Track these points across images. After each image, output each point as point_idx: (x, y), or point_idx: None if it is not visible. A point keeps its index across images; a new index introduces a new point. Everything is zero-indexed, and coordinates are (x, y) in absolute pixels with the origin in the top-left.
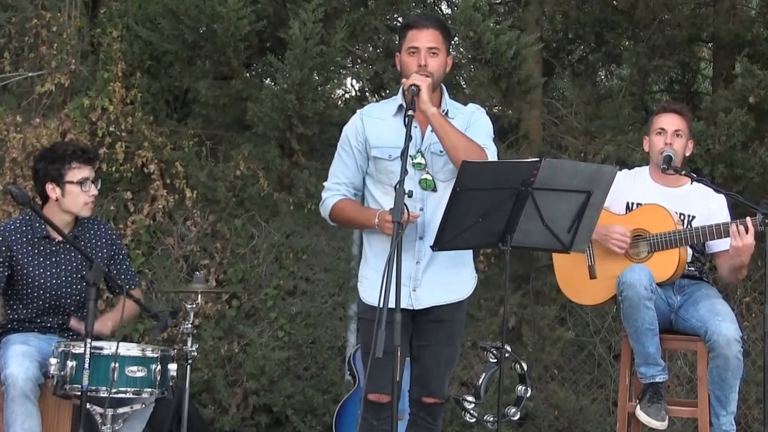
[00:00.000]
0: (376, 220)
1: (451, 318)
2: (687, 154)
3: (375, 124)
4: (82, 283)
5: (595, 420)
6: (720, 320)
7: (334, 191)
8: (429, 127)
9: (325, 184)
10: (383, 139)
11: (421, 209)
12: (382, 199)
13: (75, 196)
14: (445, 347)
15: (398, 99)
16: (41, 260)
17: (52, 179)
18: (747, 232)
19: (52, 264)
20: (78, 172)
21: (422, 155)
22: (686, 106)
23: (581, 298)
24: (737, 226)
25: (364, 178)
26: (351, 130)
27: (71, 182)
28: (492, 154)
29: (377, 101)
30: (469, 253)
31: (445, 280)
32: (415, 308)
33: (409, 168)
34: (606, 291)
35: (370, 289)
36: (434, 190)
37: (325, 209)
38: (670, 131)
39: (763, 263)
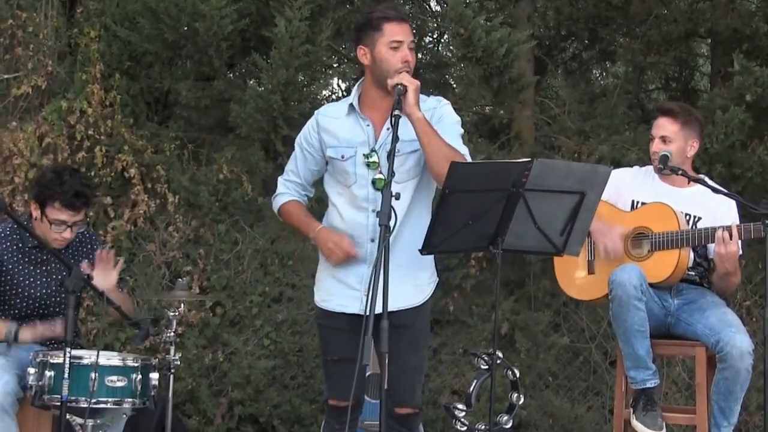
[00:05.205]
0: (313, 234)
1: (412, 323)
2: (689, 155)
3: (330, 123)
4: None
5: (591, 428)
6: (734, 332)
7: (284, 190)
8: (385, 126)
9: (280, 177)
10: (337, 139)
11: (373, 211)
12: (337, 200)
13: (47, 228)
14: (409, 354)
15: (350, 99)
16: (31, 269)
17: (37, 200)
18: (731, 239)
19: (42, 273)
20: (56, 213)
21: (376, 154)
22: (681, 104)
23: (578, 293)
24: (722, 231)
25: (323, 177)
26: (306, 129)
27: (47, 217)
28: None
29: None
30: (429, 256)
31: (399, 284)
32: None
33: (363, 168)
34: (603, 287)
35: (323, 291)
36: None
37: (275, 206)
38: (656, 138)
39: (764, 266)
